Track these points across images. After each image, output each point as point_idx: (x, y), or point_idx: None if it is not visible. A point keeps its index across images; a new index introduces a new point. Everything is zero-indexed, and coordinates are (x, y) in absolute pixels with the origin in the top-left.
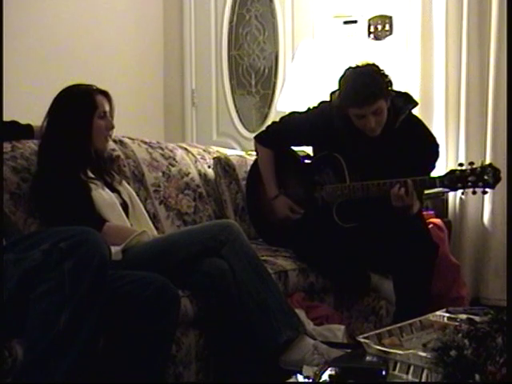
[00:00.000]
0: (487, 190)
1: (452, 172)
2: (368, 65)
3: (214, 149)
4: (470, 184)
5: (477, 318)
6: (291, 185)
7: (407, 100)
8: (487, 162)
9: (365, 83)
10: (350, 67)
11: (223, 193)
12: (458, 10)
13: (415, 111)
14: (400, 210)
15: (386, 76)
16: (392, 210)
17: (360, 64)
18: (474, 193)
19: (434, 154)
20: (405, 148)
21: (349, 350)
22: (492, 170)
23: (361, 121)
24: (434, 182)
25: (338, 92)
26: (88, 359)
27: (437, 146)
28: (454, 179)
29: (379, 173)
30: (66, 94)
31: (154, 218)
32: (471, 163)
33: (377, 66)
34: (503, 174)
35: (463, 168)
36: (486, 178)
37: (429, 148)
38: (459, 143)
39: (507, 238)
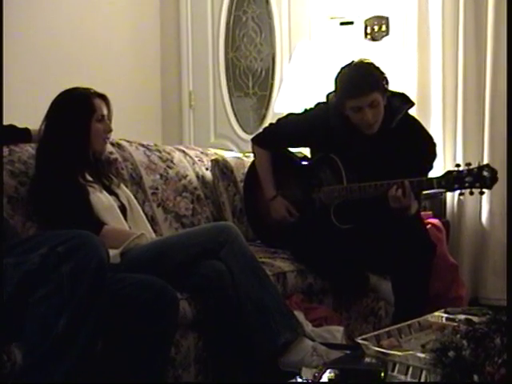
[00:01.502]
0: (484, 190)
1: (449, 173)
2: (363, 61)
3: (211, 151)
4: (467, 185)
5: (475, 319)
6: (289, 186)
7: (404, 100)
8: (485, 162)
9: (361, 75)
10: (345, 65)
11: (221, 195)
12: (455, 11)
13: (412, 112)
14: (398, 212)
15: (383, 73)
16: (390, 211)
17: (355, 61)
18: (472, 193)
19: (432, 154)
20: (402, 148)
21: (348, 352)
22: (489, 170)
23: (357, 114)
24: (431, 183)
25: (333, 93)
26: (87, 362)
27: (434, 145)
28: (451, 180)
29: (376, 173)
30: (63, 97)
31: (152, 220)
32: (468, 164)
33: (372, 63)
34: (501, 175)
35: (460, 169)
36: (482, 178)
37: (426, 148)
38: (456, 144)
39: (507, 237)
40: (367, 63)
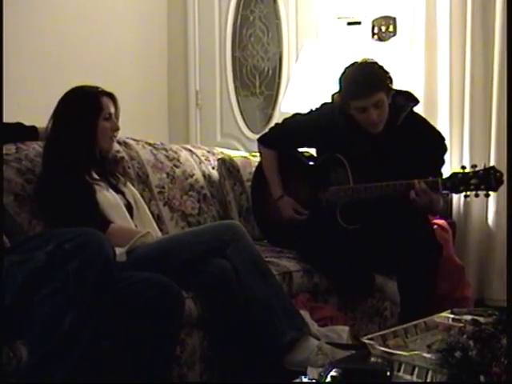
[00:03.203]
0: (490, 192)
1: (455, 175)
2: (367, 61)
3: (218, 150)
4: (472, 187)
5: (481, 319)
6: (295, 186)
7: (408, 98)
8: (492, 163)
9: (365, 75)
10: (349, 65)
11: (227, 194)
12: (462, 11)
13: (419, 111)
14: (424, 210)
15: (387, 72)
16: (418, 211)
17: (359, 61)
18: (477, 196)
19: (442, 148)
20: (408, 146)
21: (353, 351)
22: (494, 172)
23: (362, 115)
24: (436, 185)
25: (338, 93)
26: (90, 359)
27: (442, 139)
28: (457, 182)
29: (383, 172)
30: (71, 95)
31: (159, 219)
32: (474, 166)
33: (376, 62)
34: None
35: (466, 171)
36: (488, 181)
37: (435, 143)
38: (463, 145)
39: (507, 238)
40: (371, 63)
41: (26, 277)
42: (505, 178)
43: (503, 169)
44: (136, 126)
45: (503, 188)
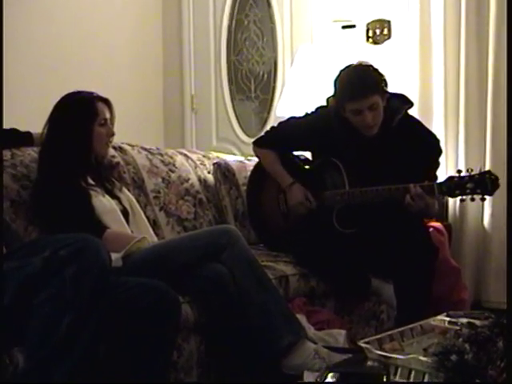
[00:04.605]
0: (486, 196)
1: (450, 179)
2: (362, 64)
3: (213, 154)
4: (468, 191)
5: (477, 322)
6: None
7: (403, 101)
8: (487, 166)
9: (360, 78)
10: (344, 68)
11: (223, 198)
12: (457, 14)
13: (414, 114)
14: (419, 214)
15: (381, 75)
16: (412, 215)
17: (354, 64)
18: (473, 200)
19: (437, 150)
20: (404, 148)
21: (350, 355)
22: (490, 177)
23: (357, 117)
24: (432, 189)
25: (333, 96)
26: (87, 364)
27: (437, 141)
28: (453, 186)
29: (379, 175)
30: (66, 101)
31: (154, 224)
32: (470, 170)
33: (371, 65)
34: (503, 180)
35: (461, 175)
36: (484, 185)
37: (430, 145)
38: (459, 148)
39: (507, 239)
40: (366, 66)
41: (22, 282)
42: (501, 181)
43: (499, 172)
44: (131, 130)
45: (499, 190)
